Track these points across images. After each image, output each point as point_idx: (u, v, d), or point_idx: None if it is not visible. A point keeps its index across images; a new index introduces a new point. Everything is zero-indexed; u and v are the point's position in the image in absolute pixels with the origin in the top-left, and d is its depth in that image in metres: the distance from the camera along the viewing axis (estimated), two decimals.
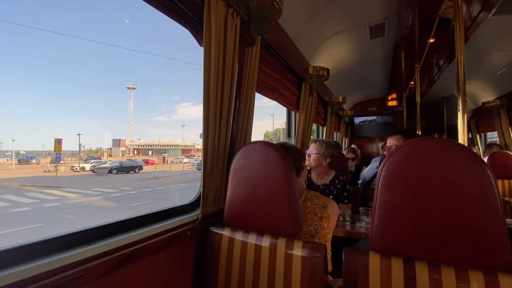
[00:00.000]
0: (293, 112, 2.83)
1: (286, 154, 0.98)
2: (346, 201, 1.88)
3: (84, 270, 0.69)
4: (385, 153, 2.04)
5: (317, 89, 2.72)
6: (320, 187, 1.94)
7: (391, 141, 1.90)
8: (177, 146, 71.29)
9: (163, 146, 70.70)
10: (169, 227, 1.01)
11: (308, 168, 1.97)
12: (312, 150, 1.92)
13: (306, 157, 1.96)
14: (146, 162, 35.42)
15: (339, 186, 1.88)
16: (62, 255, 0.69)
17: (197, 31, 1.21)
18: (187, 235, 1.05)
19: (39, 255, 0.67)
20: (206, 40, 1.10)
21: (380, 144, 5.18)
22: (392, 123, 5.55)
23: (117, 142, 65.44)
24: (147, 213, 1.02)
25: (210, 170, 1.15)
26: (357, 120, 5.88)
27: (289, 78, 2.28)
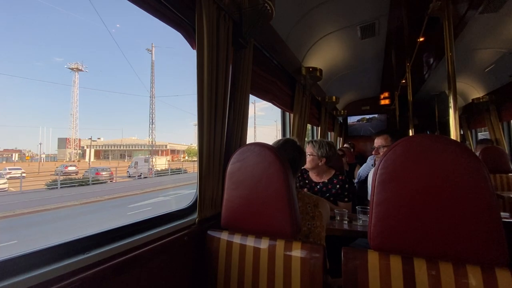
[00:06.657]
0: (287, 113, 2.84)
1: (283, 154, 0.98)
2: (346, 199, 1.88)
3: (80, 280, 0.67)
4: (373, 152, 2.06)
5: (311, 89, 2.74)
6: (319, 185, 1.94)
7: (378, 141, 1.92)
8: (144, 147, 57.02)
9: (125, 147, 59.12)
10: (165, 233, 1.00)
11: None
12: (307, 152, 1.92)
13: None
14: None
15: (338, 186, 1.89)
16: (57, 265, 0.67)
17: (189, 34, 1.21)
18: (184, 240, 1.04)
19: (33, 266, 0.65)
20: (199, 43, 1.10)
21: None
22: (386, 122, 5.62)
23: (63, 142, 50.56)
24: (143, 219, 1.00)
25: (206, 173, 1.14)
26: (352, 119, 5.93)
27: (283, 79, 2.29)
